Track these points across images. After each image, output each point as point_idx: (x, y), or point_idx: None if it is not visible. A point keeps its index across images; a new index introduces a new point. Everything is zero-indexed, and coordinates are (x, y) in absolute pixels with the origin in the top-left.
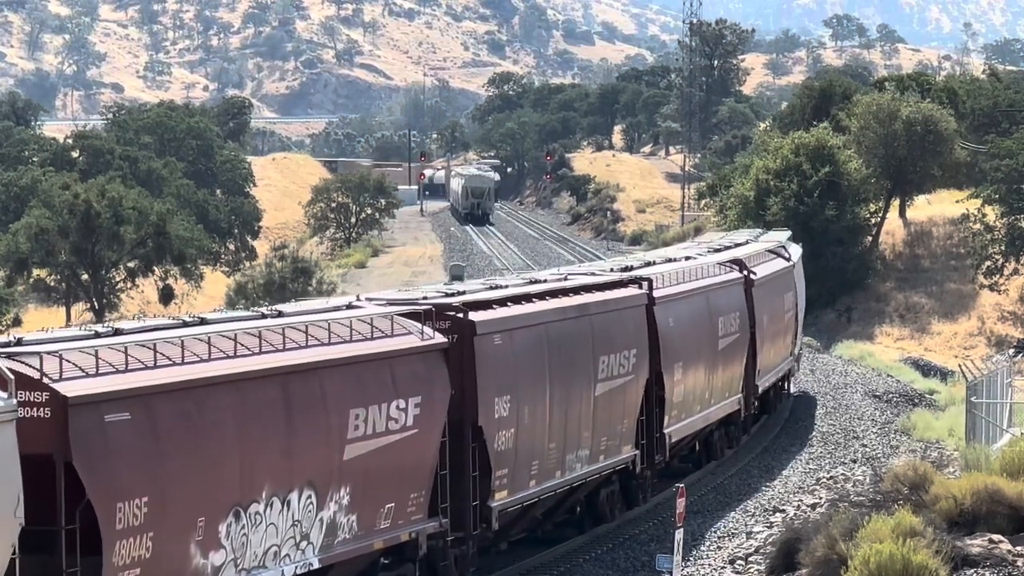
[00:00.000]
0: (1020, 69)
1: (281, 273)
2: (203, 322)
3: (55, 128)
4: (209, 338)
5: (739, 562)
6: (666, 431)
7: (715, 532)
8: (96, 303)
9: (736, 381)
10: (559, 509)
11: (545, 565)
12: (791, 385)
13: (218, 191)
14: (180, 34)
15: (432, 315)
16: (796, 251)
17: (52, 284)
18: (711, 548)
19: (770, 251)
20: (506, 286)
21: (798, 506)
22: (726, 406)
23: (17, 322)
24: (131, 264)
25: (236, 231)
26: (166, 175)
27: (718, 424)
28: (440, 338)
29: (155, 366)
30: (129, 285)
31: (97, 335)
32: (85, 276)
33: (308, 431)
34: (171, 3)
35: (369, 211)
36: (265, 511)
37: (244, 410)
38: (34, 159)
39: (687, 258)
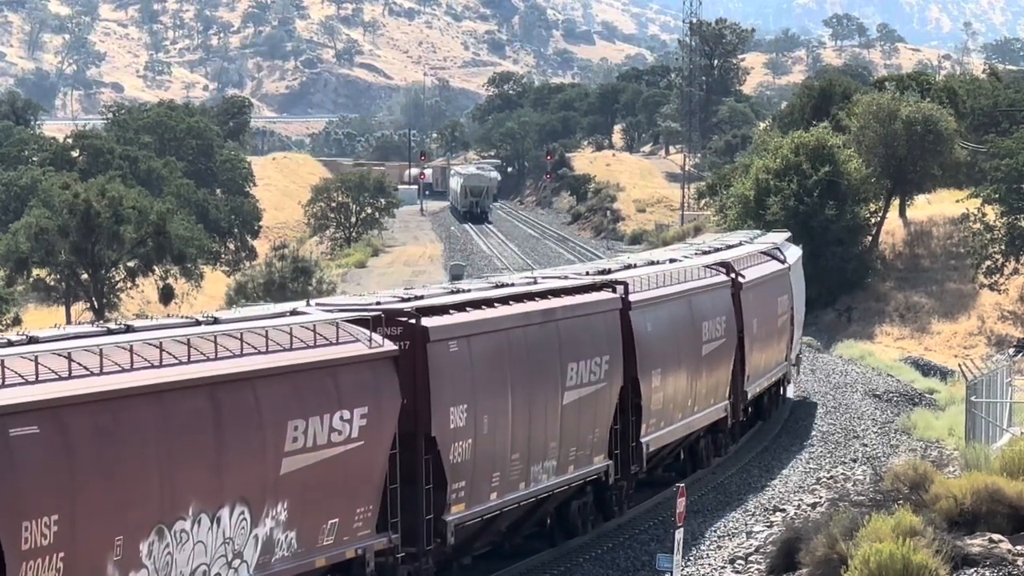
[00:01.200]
0: (1020, 69)
1: (281, 273)
2: (129, 329)
3: (55, 128)
4: (131, 346)
5: (739, 562)
6: (643, 440)
7: (715, 532)
8: (96, 303)
9: (722, 388)
10: (526, 522)
11: (545, 564)
12: (790, 390)
13: (218, 191)
14: (180, 34)
15: (382, 321)
16: (794, 253)
17: (52, 284)
18: (711, 548)
19: (764, 253)
20: (469, 290)
21: (798, 505)
22: (711, 413)
23: (17, 321)
24: (131, 264)
25: (236, 231)
26: (166, 175)
27: (704, 432)
28: (390, 345)
29: (69, 376)
30: (129, 285)
31: (9, 343)
32: (85, 276)
33: (240, 444)
34: (171, 3)
35: (369, 211)
36: (192, 528)
37: (168, 422)
38: (34, 159)
39: (671, 261)
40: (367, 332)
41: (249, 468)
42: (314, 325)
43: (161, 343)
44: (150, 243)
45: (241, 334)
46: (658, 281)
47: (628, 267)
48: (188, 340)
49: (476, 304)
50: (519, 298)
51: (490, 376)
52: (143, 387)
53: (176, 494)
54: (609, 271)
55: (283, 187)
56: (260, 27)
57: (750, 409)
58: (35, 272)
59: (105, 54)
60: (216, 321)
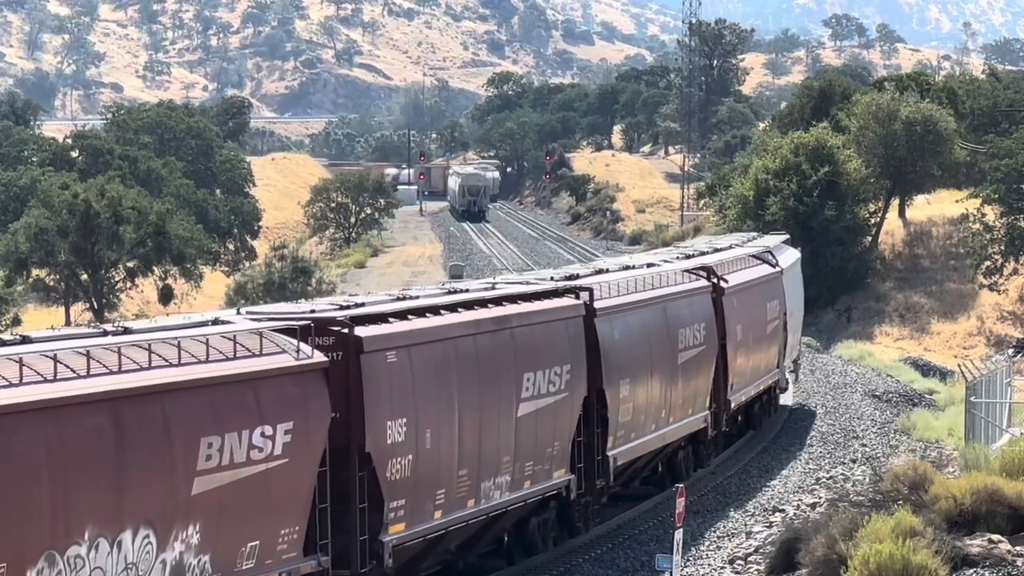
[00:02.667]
0: (1020, 69)
1: (281, 273)
2: (25, 341)
3: (54, 128)
4: (21, 359)
5: (739, 562)
6: (609, 453)
7: (715, 532)
8: (95, 303)
9: (701, 397)
10: (480, 540)
11: (545, 564)
12: (788, 397)
13: (218, 191)
14: (180, 34)
15: (311, 331)
16: (789, 256)
17: (51, 284)
18: (711, 548)
19: (754, 256)
20: (417, 297)
21: (798, 506)
22: (689, 424)
23: (17, 322)
24: (130, 264)
25: (236, 231)
26: (166, 175)
27: (684, 443)
28: (319, 356)
29: None
30: (128, 285)
31: None
32: (84, 276)
33: (145, 463)
34: (171, 3)
35: (368, 211)
36: (89, 554)
37: (61, 440)
38: (33, 159)
39: (649, 265)
40: (295, 343)
41: (155, 488)
42: (234, 335)
43: (56, 355)
44: (149, 243)
45: (149, 345)
46: (628, 287)
47: (599, 272)
48: (88, 352)
49: (420, 312)
50: (469, 305)
51: (434, 387)
52: (33, 403)
53: (70, 517)
54: (577, 276)
55: (283, 187)
56: (260, 27)
57: (739, 418)
58: (35, 272)
59: (105, 54)
60: (126, 331)
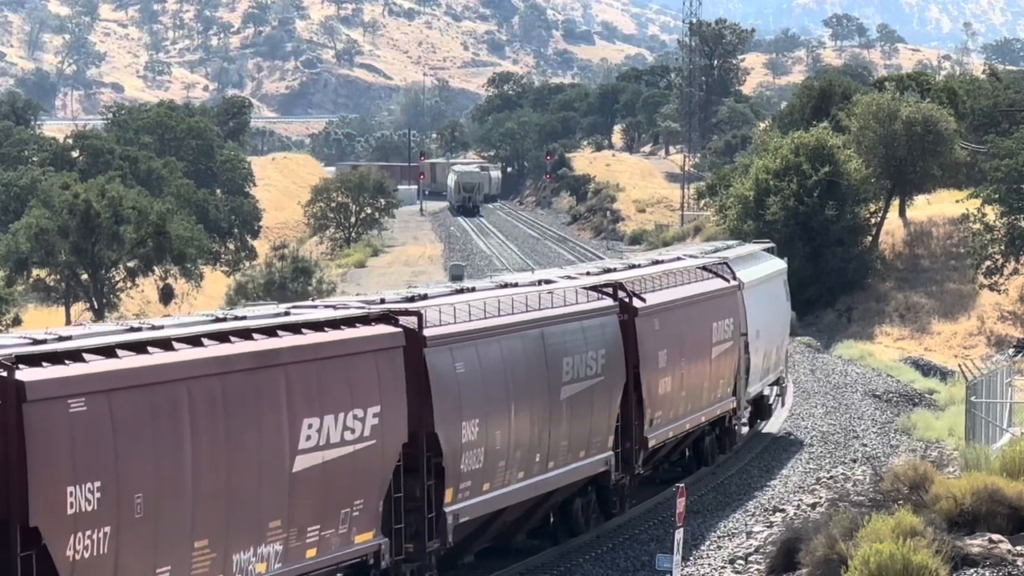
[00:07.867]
0: (1020, 69)
1: (281, 273)
2: None
3: (55, 128)
4: None
5: (739, 562)
6: (448, 510)
7: (715, 532)
8: (96, 303)
9: (600, 437)
10: None
11: (545, 565)
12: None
13: (218, 191)
14: (180, 34)
15: None
16: (761, 268)
17: (52, 284)
18: (711, 548)
19: (704, 269)
20: (162, 327)
21: (798, 506)
22: (580, 469)
23: (17, 322)
24: (131, 264)
25: (236, 231)
26: (166, 175)
27: (589, 487)
28: None
29: None
30: (129, 285)
31: None
32: (85, 276)
33: None
34: (171, 3)
35: (369, 211)
36: None
37: None
38: (34, 159)
39: (544, 282)
40: None
41: None
42: None
43: None
44: (150, 243)
45: None
46: (484, 310)
47: (458, 292)
48: None
49: (139, 346)
50: (223, 336)
51: (151, 441)
52: None
53: None
54: (424, 297)
55: (283, 187)
56: (260, 27)
57: (687, 453)
58: (35, 272)
59: (105, 54)
60: None
